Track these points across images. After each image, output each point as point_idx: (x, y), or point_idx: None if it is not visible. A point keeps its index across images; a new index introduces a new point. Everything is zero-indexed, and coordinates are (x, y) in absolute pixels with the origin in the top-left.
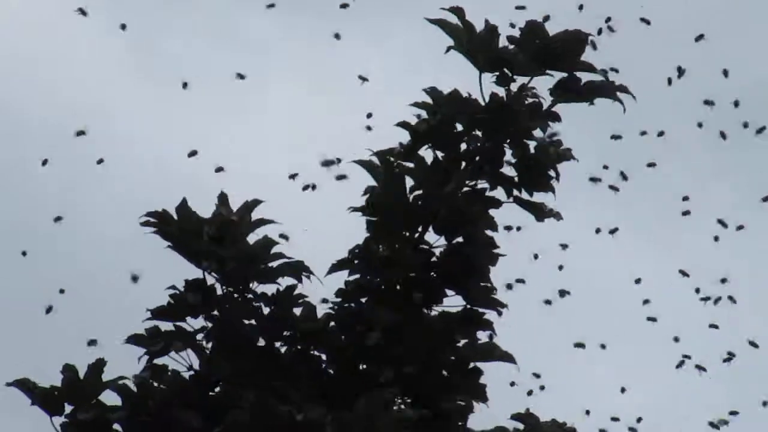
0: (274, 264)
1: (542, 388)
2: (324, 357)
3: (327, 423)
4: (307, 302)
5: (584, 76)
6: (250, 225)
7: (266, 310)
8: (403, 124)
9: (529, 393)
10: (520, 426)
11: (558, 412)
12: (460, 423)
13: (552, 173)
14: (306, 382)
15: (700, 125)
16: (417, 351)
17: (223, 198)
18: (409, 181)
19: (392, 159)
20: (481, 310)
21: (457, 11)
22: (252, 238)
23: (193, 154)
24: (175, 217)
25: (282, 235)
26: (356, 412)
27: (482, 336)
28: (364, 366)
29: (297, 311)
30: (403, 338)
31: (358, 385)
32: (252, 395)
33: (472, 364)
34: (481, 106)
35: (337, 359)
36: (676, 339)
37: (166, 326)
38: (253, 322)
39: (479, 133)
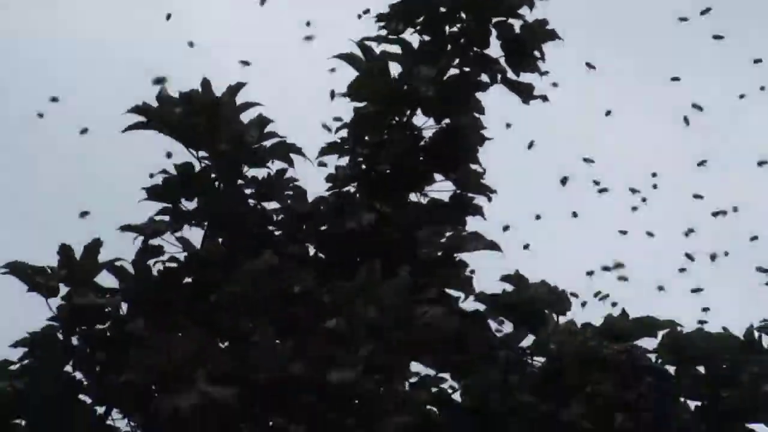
0: (268, 143)
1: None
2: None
3: (324, 293)
4: (297, 186)
5: None
6: (237, 108)
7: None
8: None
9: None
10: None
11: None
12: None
13: (537, 53)
14: (298, 264)
15: None
16: (404, 238)
17: (205, 83)
18: (395, 69)
19: (374, 44)
20: (470, 195)
21: None
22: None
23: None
24: (157, 104)
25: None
26: (355, 282)
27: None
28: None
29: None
30: (392, 224)
31: (346, 268)
32: (248, 270)
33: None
34: None
35: (327, 243)
36: None
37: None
38: (247, 203)
39: (464, 15)
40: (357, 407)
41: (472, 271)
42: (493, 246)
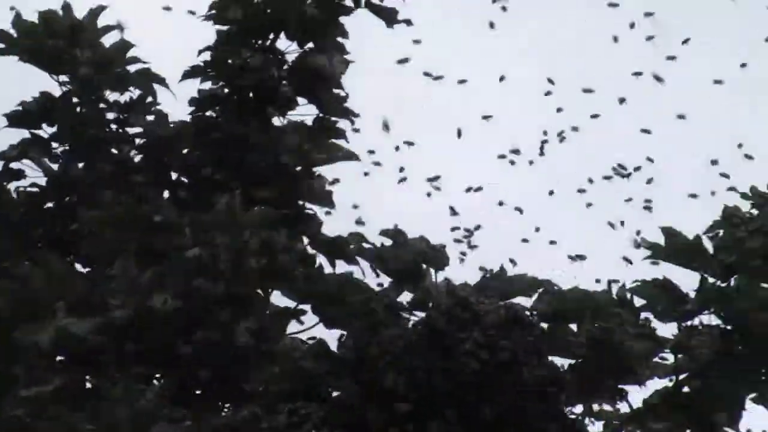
0: (131, 69)
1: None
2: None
3: (185, 224)
4: (159, 110)
5: None
6: (99, 32)
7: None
8: None
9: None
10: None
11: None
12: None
13: None
14: (158, 189)
15: None
16: (265, 159)
17: (66, 6)
18: None
19: None
20: (333, 118)
21: None
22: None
23: None
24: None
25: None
26: (214, 213)
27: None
28: (215, 175)
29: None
30: (253, 146)
31: (209, 193)
32: (109, 195)
33: (317, 171)
34: None
35: (188, 168)
36: None
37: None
38: (109, 127)
39: None
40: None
41: (333, 182)
42: (351, 156)
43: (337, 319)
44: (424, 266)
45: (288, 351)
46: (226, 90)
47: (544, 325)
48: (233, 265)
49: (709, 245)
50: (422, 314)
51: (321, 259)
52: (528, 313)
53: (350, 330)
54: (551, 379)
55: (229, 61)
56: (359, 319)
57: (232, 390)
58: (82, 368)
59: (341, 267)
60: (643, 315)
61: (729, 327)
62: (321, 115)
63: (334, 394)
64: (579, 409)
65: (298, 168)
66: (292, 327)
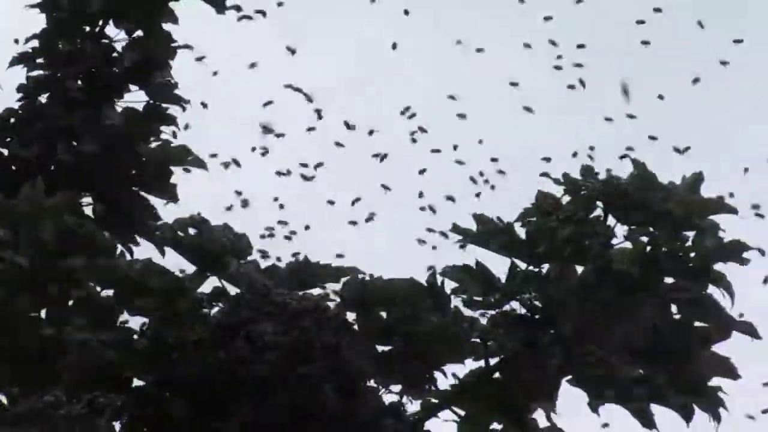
0: None
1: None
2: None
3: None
4: None
5: None
6: None
7: None
8: None
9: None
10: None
11: None
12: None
13: None
14: None
15: None
16: (98, 147)
17: None
18: None
19: None
20: (164, 105)
21: None
22: None
23: None
24: None
25: None
26: (18, 198)
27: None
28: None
29: None
30: (82, 135)
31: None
32: None
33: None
34: None
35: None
36: None
37: None
38: None
39: None
40: None
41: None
42: (200, 164)
43: (143, 309)
44: (228, 255)
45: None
46: (55, 77)
47: (352, 315)
48: (34, 252)
49: (521, 232)
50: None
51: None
52: (333, 302)
53: (151, 319)
54: (353, 368)
55: (59, 46)
56: (160, 308)
57: (39, 375)
58: None
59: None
60: (454, 302)
61: (537, 316)
62: (151, 101)
63: (136, 384)
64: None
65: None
66: None
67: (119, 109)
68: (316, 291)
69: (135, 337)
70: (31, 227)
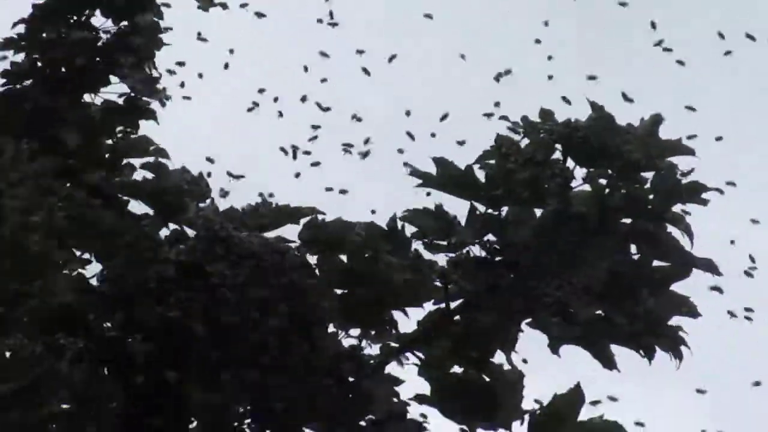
0: None
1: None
2: None
3: None
4: None
5: None
6: None
7: None
8: None
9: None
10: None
11: None
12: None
13: None
14: None
15: None
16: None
17: None
18: None
19: None
20: (145, 99)
21: None
22: None
23: None
24: None
25: None
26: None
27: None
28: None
29: None
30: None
31: None
32: None
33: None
34: None
35: None
36: None
37: None
38: None
39: None
40: None
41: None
42: (161, 153)
43: (101, 252)
44: (186, 199)
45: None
46: (39, 63)
47: (312, 258)
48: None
49: (481, 175)
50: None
51: None
52: (292, 243)
53: (111, 263)
54: (314, 312)
55: (44, 34)
56: (119, 252)
57: None
58: None
59: None
60: (414, 245)
61: (497, 258)
62: (132, 95)
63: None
64: (356, 332)
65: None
66: None
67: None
68: (275, 233)
69: (94, 281)
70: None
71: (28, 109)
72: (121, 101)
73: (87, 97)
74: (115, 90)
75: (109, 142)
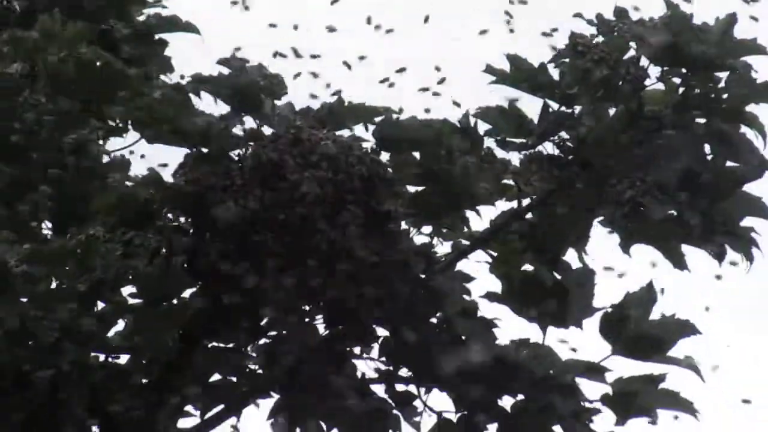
0: None
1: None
2: None
3: (3, 42)
4: None
5: None
6: None
7: None
8: None
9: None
10: None
11: None
12: None
13: None
14: None
15: None
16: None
17: None
18: None
19: None
20: None
21: None
22: None
23: None
24: None
25: None
26: (35, 28)
27: None
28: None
29: None
30: None
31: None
32: None
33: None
34: None
35: None
36: None
37: None
38: None
39: None
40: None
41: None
42: (190, 27)
43: (160, 136)
44: (262, 95)
45: (117, 168)
46: None
47: (386, 155)
48: (53, 80)
49: (555, 73)
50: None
51: None
52: (366, 142)
53: (185, 158)
54: (387, 209)
55: None
56: (194, 146)
57: (70, 214)
58: None
59: None
60: (487, 143)
61: (570, 157)
62: None
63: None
64: (428, 230)
65: None
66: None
67: None
68: (349, 132)
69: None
70: (49, 58)
71: None
72: None
73: None
74: None
75: (141, 17)
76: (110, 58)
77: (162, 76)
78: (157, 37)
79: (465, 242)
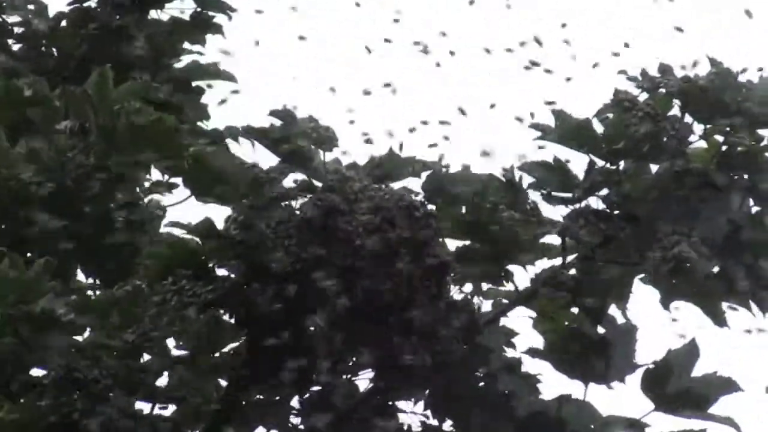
0: None
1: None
2: None
3: (56, 96)
4: (39, 1)
5: None
6: None
7: None
8: None
9: None
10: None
11: None
12: None
13: None
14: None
15: None
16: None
17: None
18: None
19: None
20: (211, 13)
21: None
22: None
23: None
24: None
25: None
26: (86, 85)
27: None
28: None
29: None
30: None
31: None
32: None
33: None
34: None
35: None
36: None
37: None
38: None
39: None
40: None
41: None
42: (228, 77)
43: (223, 197)
44: (312, 147)
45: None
46: None
47: (432, 207)
48: (104, 137)
49: (599, 128)
50: (309, 196)
51: None
52: (415, 196)
53: (238, 208)
54: (438, 263)
55: None
56: (245, 197)
57: (116, 265)
58: None
59: None
60: (531, 198)
61: (615, 212)
62: (198, 9)
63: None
64: (468, 288)
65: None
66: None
67: (166, 17)
68: (398, 184)
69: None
70: (101, 115)
71: (94, 28)
72: (187, 17)
73: (153, 14)
74: (180, 6)
75: (179, 64)
76: (163, 114)
77: (198, 123)
78: (194, 84)
79: (505, 301)
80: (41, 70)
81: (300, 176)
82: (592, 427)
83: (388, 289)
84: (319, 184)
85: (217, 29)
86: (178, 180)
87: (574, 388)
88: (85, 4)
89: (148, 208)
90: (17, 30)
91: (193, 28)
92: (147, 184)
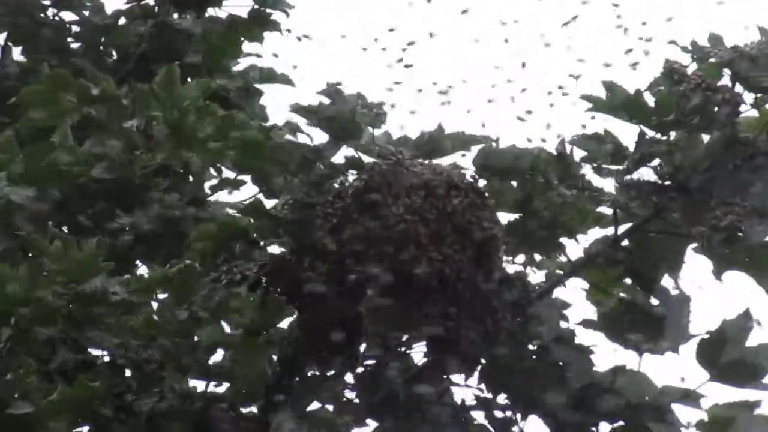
0: None
1: None
2: None
3: (122, 95)
4: None
5: None
6: None
7: None
8: None
9: None
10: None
11: None
12: None
13: None
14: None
15: None
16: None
17: None
18: None
19: None
20: (269, 10)
21: None
22: None
23: None
24: None
25: None
26: (153, 83)
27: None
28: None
29: None
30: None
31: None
32: (46, 68)
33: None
34: None
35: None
36: None
37: None
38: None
39: None
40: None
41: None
42: (286, 80)
43: (277, 186)
44: (361, 124)
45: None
46: None
47: (483, 182)
48: (171, 135)
49: (650, 100)
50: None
51: None
52: (464, 170)
53: (287, 189)
54: (488, 237)
55: None
56: (295, 177)
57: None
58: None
59: None
60: (582, 170)
61: (667, 183)
62: (256, 6)
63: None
64: (520, 259)
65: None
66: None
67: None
68: (447, 160)
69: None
70: (169, 112)
71: (152, 26)
72: (245, 14)
73: (211, 11)
74: (238, 3)
75: (236, 67)
76: (231, 113)
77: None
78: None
79: (559, 271)
80: (99, 69)
81: (350, 152)
82: (647, 397)
83: (438, 263)
84: (369, 159)
85: (275, 26)
86: (247, 177)
87: (628, 359)
88: (143, 2)
89: (215, 205)
90: (75, 29)
91: (250, 25)
92: (215, 181)
